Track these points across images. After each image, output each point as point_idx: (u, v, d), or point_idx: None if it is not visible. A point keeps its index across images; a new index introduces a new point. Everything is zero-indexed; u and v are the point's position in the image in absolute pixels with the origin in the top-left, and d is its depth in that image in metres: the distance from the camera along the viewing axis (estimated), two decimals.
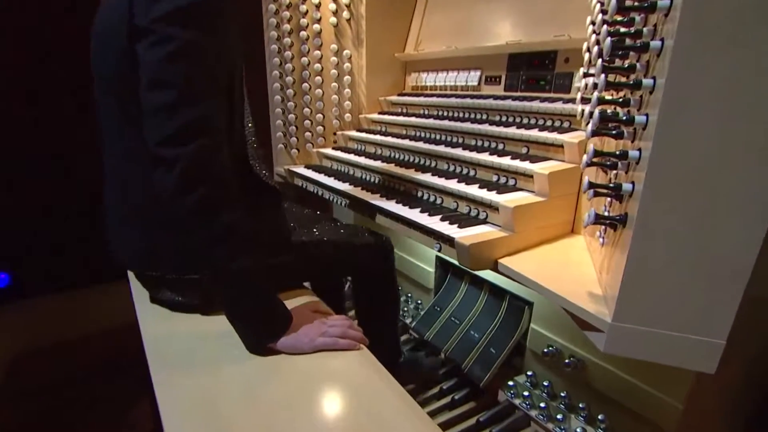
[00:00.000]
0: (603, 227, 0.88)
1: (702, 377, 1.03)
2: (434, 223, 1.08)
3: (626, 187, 0.70)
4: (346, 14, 1.81)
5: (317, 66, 1.87)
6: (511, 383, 1.43)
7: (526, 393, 1.39)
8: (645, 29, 0.69)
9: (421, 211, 1.17)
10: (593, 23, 0.90)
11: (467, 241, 0.95)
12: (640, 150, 0.68)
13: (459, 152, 1.31)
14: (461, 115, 1.55)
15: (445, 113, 1.62)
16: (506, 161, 1.17)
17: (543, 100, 1.33)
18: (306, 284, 1.30)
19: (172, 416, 0.79)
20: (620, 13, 0.74)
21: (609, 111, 0.79)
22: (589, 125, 0.77)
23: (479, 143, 1.36)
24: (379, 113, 1.90)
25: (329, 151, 1.83)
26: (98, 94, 1.03)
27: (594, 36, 0.86)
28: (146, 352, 0.95)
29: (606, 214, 0.81)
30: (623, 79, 0.76)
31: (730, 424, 1.15)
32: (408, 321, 1.86)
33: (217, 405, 0.83)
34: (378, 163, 1.50)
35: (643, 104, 0.70)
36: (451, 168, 1.34)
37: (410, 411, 0.83)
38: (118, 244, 1.09)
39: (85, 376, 2.00)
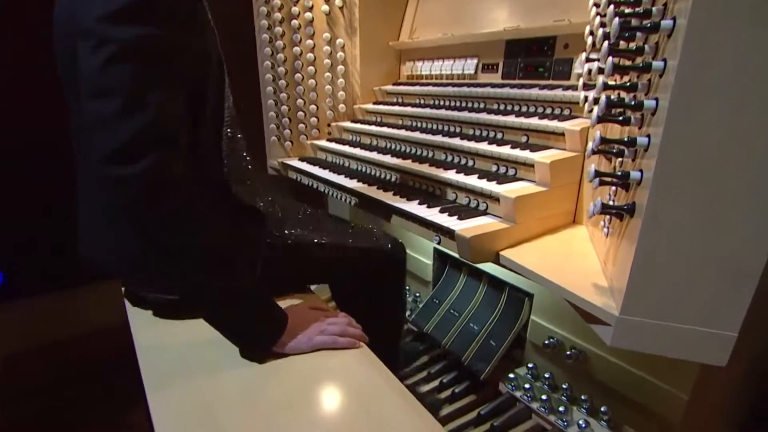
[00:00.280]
0: (608, 217, 0.85)
1: (707, 368, 1.01)
2: (433, 215, 1.05)
3: (634, 175, 0.68)
4: (338, 2, 1.76)
5: (310, 56, 1.82)
6: (511, 376, 1.42)
7: (527, 385, 1.37)
8: (654, 8, 0.65)
9: (419, 203, 1.14)
10: (597, 5, 0.87)
11: (468, 233, 0.92)
12: (649, 136, 0.65)
13: (457, 142, 1.27)
14: (458, 104, 1.51)
15: (442, 102, 1.59)
16: (506, 150, 1.14)
17: (542, 87, 1.29)
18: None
19: (165, 423, 0.76)
20: None
21: (613, 97, 0.76)
22: (595, 111, 0.74)
23: (477, 132, 1.33)
24: (374, 103, 1.86)
25: (324, 143, 1.79)
26: (66, 97, 0.93)
27: (598, 18, 0.83)
28: (137, 355, 0.92)
29: (611, 203, 0.78)
30: (629, 63, 0.73)
31: (735, 415, 1.14)
32: (407, 314, 1.84)
33: (212, 409, 0.80)
34: (374, 155, 1.46)
35: (652, 88, 0.67)
36: (449, 158, 1.30)
37: (411, 409, 0.80)
38: (91, 250, 1.01)
39: (83, 376, 1.97)
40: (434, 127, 1.49)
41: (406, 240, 1.87)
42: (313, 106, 1.89)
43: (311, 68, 1.83)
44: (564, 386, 1.33)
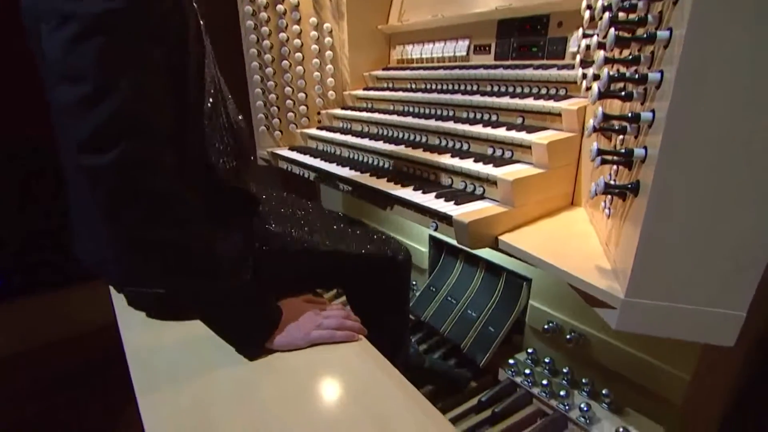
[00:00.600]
0: (609, 198, 0.83)
1: (709, 349, 1.00)
2: (429, 200, 1.02)
3: (638, 152, 0.65)
4: None
5: (297, 42, 1.77)
6: (511, 361, 1.41)
7: (527, 371, 1.36)
8: None
9: (414, 189, 1.11)
10: None
11: (466, 218, 0.90)
12: (653, 111, 0.62)
13: (450, 125, 1.24)
14: (451, 87, 1.48)
15: (434, 86, 1.55)
16: (501, 132, 1.11)
17: (536, 67, 1.26)
18: None
19: (156, 425, 0.73)
20: None
21: (613, 72, 0.73)
22: (595, 87, 0.71)
23: (471, 115, 1.30)
24: (364, 89, 1.82)
25: (314, 131, 1.75)
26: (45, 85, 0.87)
27: None
28: (127, 356, 0.88)
29: (613, 183, 0.76)
30: (630, 35, 0.70)
31: (737, 395, 1.13)
32: None
33: (206, 410, 0.76)
34: (366, 141, 1.43)
35: (655, 60, 0.64)
36: (443, 143, 1.27)
37: (414, 403, 0.78)
38: (81, 251, 0.97)
39: (76, 377, 1.94)
40: (427, 111, 1.45)
41: (401, 227, 1.85)
42: (301, 94, 1.85)
43: (298, 55, 1.78)
44: (564, 370, 1.32)
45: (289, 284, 1.01)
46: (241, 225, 0.99)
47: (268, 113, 1.86)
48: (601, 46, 0.73)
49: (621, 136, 0.78)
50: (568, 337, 1.30)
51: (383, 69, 1.84)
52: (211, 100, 0.89)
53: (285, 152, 1.71)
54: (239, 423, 0.74)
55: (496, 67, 1.38)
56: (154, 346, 0.93)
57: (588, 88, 0.89)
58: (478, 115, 1.28)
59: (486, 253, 1.55)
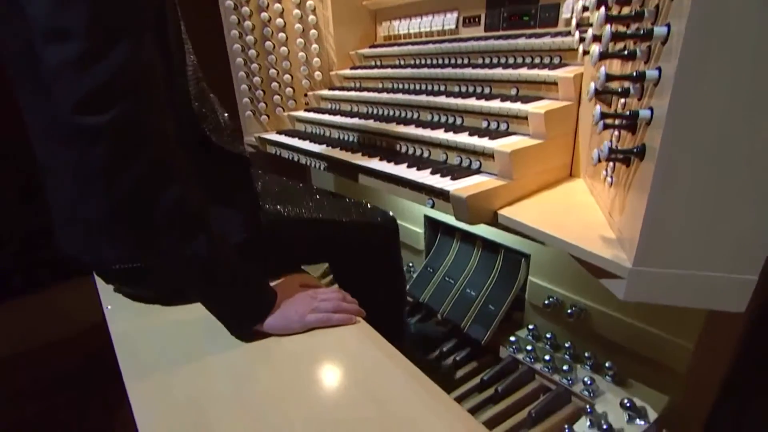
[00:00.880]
0: (611, 165, 0.80)
1: (713, 317, 0.99)
2: (424, 177, 0.99)
3: (644, 113, 0.62)
4: None
5: (279, 21, 1.71)
6: (512, 339, 1.39)
7: (528, 347, 1.34)
8: None
9: (408, 166, 1.07)
10: None
11: (464, 192, 0.86)
12: (659, 69, 0.59)
13: (442, 100, 1.20)
14: (440, 61, 1.43)
15: (423, 61, 1.50)
16: (496, 104, 1.07)
17: (529, 36, 1.22)
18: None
19: (148, 419, 0.70)
20: None
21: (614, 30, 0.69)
22: (596, 48, 0.67)
23: (463, 89, 1.26)
24: (352, 68, 1.77)
25: (301, 113, 1.70)
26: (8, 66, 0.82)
27: None
28: (116, 351, 0.85)
29: (617, 148, 0.73)
30: None
31: (740, 363, 1.13)
32: None
33: (199, 401, 0.73)
34: (355, 120, 1.38)
35: (661, 15, 0.60)
36: (436, 118, 1.23)
37: (419, 385, 0.76)
38: (63, 239, 0.93)
39: (79, 373, 1.91)
40: (417, 87, 1.41)
41: (395, 209, 1.82)
42: (287, 76, 1.79)
43: (282, 35, 1.72)
44: (566, 345, 1.31)
45: (278, 260, 0.98)
46: (238, 179, 0.97)
47: (253, 97, 1.80)
48: (601, 3, 0.69)
49: (622, 100, 0.75)
50: (569, 311, 1.28)
51: (370, 47, 1.79)
52: (191, 67, 0.85)
53: (272, 136, 1.66)
54: (235, 412, 0.71)
55: (486, 38, 1.34)
56: (144, 337, 0.89)
57: (586, 52, 0.85)
58: (471, 89, 1.24)
59: (483, 230, 1.53)
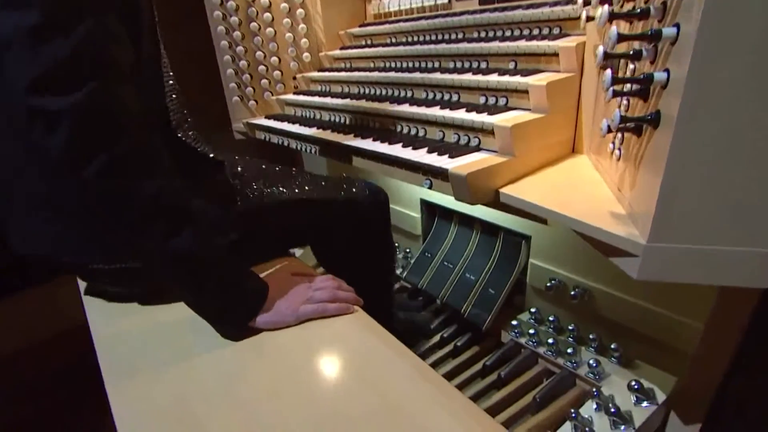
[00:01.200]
0: (620, 137, 0.75)
1: (725, 294, 0.95)
2: (421, 156, 0.94)
3: (659, 76, 0.57)
4: None
5: (264, 1, 1.63)
6: (514, 323, 1.35)
7: (531, 331, 1.31)
8: None
9: (404, 146, 1.02)
10: None
11: (464, 170, 0.81)
12: (678, 25, 0.54)
13: (437, 76, 1.14)
14: (434, 37, 1.37)
15: (416, 38, 1.44)
16: (494, 78, 1.02)
17: (526, 7, 1.16)
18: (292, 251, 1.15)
19: (129, 424, 0.65)
20: None
21: None
22: (605, 9, 0.62)
23: (459, 65, 1.20)
24: (341, 48, 1.70)
25: (290, 96, 1.63)
26: None
27: None
28: (96, 351, 0.79)
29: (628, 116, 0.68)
30: None
31: (752, 342, 1.09)
32: (398, 272, 1.75)
33: (188, 406, 0.68)
34: (347, 101, 1.32)
35: None
36: (431, 95, 1.18)
37: (419, 374, 0.71)
38: (19, 236, 0.84)
39: (67, 375, 1.86)
40: (410, 65, 1.35)
41: (390, 192, 1.75)
42: (274, 58, 1.72)
43: (267, 15, 1.65)
44: (570, 327, 1.27)
45: (265, 243, 0.93)
46: (210, 176, 0.90)
47: (240, 82, 1.73)
48: None
49: (631, 66, 0.70)
50: (572, 293, 1.25)
51: (360, 25, 1.72)
52: (164, 51, 0.79)
53: (261, 121, 1.60)
54: (228, 414, 0.66)
55: (482, 11, 1.28)
56: (126, 338, 0.84)
57: (590, 18, 0.80)
58: (466, 64, 1.18)
59: (481, 213, 1.48)
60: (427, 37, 1.39)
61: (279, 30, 1.68)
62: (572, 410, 1.05)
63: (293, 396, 0.69)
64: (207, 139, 0.91)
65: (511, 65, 1.09)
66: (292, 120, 1.49)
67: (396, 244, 1.90)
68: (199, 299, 0.77)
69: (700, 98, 0.52)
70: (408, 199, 1.74)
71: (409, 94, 1.23)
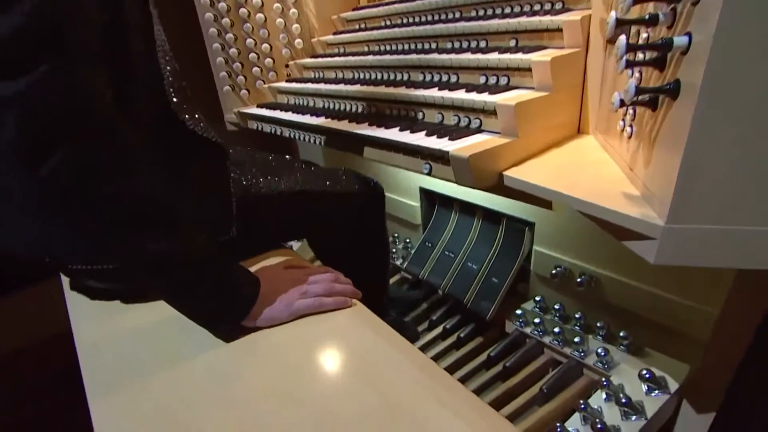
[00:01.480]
0: (631, 113, 0.70)
1: (742, 278, 0.91)
2: (419, 139, 0.89)
3: (679, 41, 0.52)
4: None
5: None
6: (518, 312, 1.31)
7: (536, 320, 1.27)
8: None
9: (401, 130, 0.97)
10: None
11: (465, 152, 0.76)
12: None
13: (435, 57, 1.09)
14: (430, 18, 1.32)
15: (411, 19, 1.38)
16: (495, 57, 0.97)
17: None
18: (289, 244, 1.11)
19: None
20: None
21: None
22: None
23: (457, 44, 1.15)
24: (335, 33, 1.65)
25: (283, 84, 1.58)
26: None
27: None
28: (78, 356, 0.74)
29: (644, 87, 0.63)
30: None
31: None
32: (399, 262, 1.71)
33: (177, 413, 0.63)
34: (341, 87, 1.27)
35: None
36: (428, 77, 1.12)
37: (420, 369, 0.67)
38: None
39: (67, 375, 1.83)
40: (407, 47, 1.30)
41: (388, 182, 1.71)
42: (266, 45, 1.66)
43: (257, 0, 1.59)
44: (577, 315, 1.23)
45: (259, 235, 0.88)
46: (212, 180, 0.85)
47: (231, 71, 1.67)
48: None
49: (645, 34, 0.65)
50: (578, 280, 1.21)
51: (353, 9, 1.66)
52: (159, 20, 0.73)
53: (253, 110, 1.54)
54: (222, 417, 0.62)
55: None
56: (110, 340, 0.79)
57: None
58: (465, 44, 1.13)
59: (483, 200, 1.44)
60: (423, 18, 1.34)
61: (269, 16, 1.62)
62: (581, 401, 1.01)
63: (290, 395, 0.65)
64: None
65: (512, 43, 1.03)
66: (284, 108, 1.44)
67: (396, 234, 1.86)
68: (185, 305, 0.72)
69: (728, 63, 0.47)
70: (406, 187, 1.69)
71: (406, 77, 1.18)
